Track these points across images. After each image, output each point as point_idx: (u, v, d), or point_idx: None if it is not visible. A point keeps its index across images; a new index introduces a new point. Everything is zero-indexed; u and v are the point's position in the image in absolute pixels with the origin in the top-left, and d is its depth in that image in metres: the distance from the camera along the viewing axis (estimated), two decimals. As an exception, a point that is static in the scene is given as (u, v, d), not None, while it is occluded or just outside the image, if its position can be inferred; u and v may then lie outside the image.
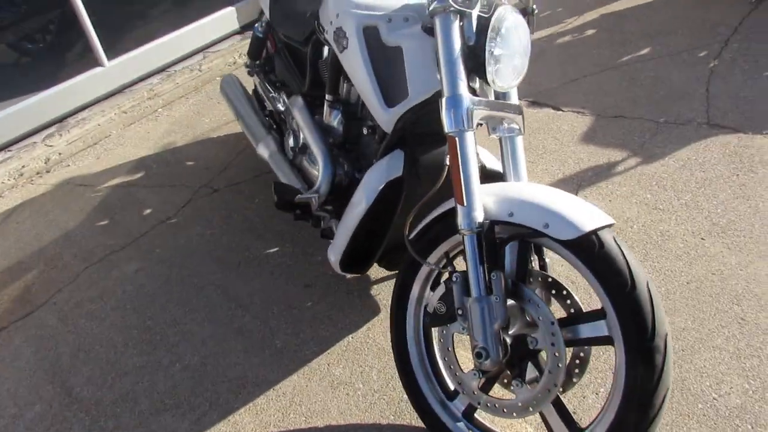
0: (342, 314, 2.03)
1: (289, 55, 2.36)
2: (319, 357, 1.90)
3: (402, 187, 1.59)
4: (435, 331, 1.58)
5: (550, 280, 1.38)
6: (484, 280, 1.34)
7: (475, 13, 1.37)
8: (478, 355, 1.34)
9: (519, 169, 1.52)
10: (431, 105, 1.49)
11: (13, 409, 1.89)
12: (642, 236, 2.12)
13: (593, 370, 1.71)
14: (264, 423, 1.73)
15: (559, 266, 2.00)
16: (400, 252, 1.82)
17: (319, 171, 1.89)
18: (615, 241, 1.25)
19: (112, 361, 2.00)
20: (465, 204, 1.34)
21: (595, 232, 1.24)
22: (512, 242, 1.36)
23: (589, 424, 1.33)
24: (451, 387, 1.57)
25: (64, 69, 3.57)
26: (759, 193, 2.23)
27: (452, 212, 1.44)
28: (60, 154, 3.34)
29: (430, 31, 1.48)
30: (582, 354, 1.39)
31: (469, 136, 1.35)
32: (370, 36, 1.55)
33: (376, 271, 2.17)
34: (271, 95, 2.47)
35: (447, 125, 1.35)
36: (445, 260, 1.52)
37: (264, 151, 2.28)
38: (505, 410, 1.41)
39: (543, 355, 1.38)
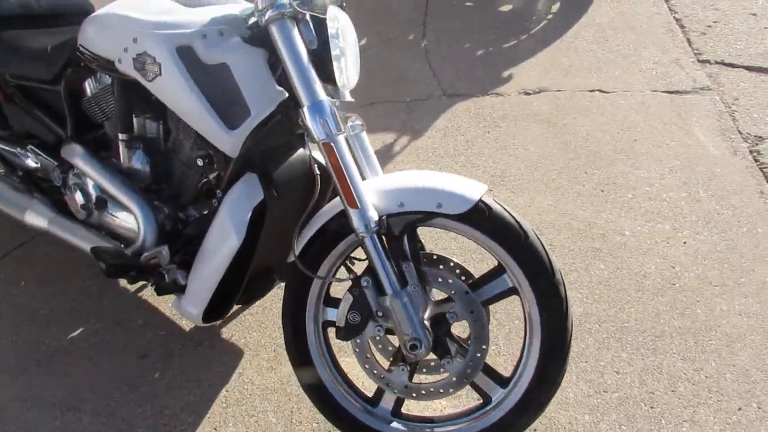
0: (203, 371, 1.80)
1: (28, 99, 1.95)
2: (201, 426, 1.66)
3: (264, 211, 1.47)
4: (342, 344, 1.53)
5: (435, 257, 1.45)
6: (395, 275, 1.34)
7: (308, 15, 1.34)
8: (413, 347, 1.35)
9: (373, 164, 1.54)
10: (274, 118, 1.42)
11: None
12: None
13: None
14: None
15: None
16: (259, 281, 1.69)
17: (137, 221, 1.63)
18: (496, 202, 1.37)
19: None
20: (359, 206, 1.32)
21: (481, 199, 1.35)
22: (409, 230, 1.38)
23: (514, 372, 1.45)
24: (369, 393, 1.55)
25: None
26: (510, 142, 2.65)
27: (336, 219, 1.40)
28: None
29: (252, 41, 1.40)
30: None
31: (341, 139, 1.32)
32: (185, 57, 1.39)
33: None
34: (15, 153, 2.01)
35: (317, 134, 1.30)
36: (334, 270, 1.48)
37: (37, 218, 1.86)
38: (441, 390, 1.45)
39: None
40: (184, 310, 1.60)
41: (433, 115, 2.86)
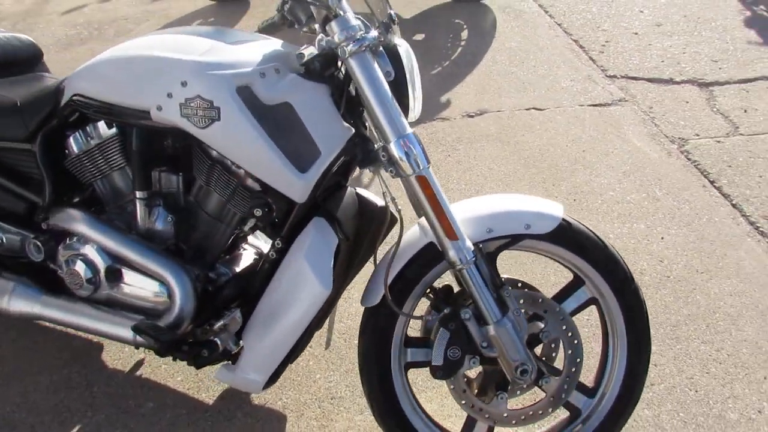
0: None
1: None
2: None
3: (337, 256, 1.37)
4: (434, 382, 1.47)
5: (504, 278, 1.45)
6: (496, 302, 1.32)
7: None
8: (523, 372, 1.33)
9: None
10: (342, 156, 1.35)
11: None
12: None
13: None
14: None
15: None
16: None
17: (171, 287, 1.44)
18: (571, 218, 1.41)
19: None
20: (458, 238, 1.28)
21: (563, 217, 1.38)
22: (498, 255, 1.37)
23: (599, 381, 1.48)
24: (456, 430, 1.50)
25: None
26: (473, 163, 2.72)
27: (423, 253, 1.35)
28: None
29: (311, 77, 1.31)
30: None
31: (431, 171, 1.28)
32: (245, 98, 1.27)
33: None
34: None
35: (410, 167, 1.25)
36: (413, 307, 1.42)
37: (23, 304, 1.56)
38: (540, 412, 1.44)
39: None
40: (243, 379, 1.43)
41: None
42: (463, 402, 1.42)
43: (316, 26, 1.33)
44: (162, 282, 1.48)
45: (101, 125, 1.50)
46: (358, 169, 1.45)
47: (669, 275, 2.12)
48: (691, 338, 1.90)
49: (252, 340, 1.41)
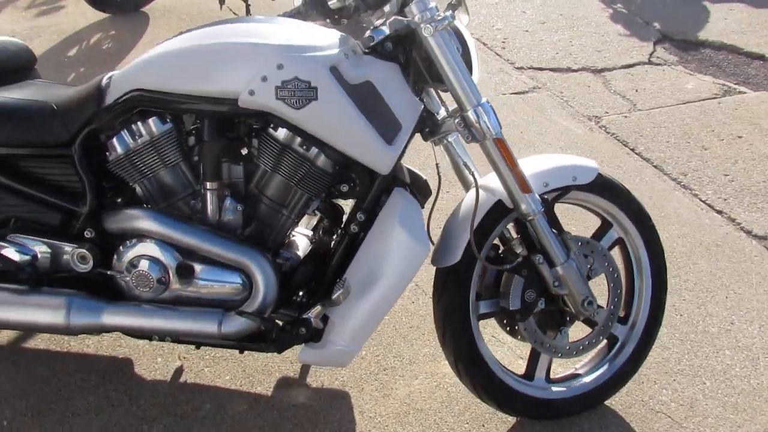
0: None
1: (7, 176, 1.52)
2: None
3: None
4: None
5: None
6: (561, 246, 1.51)
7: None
8: (589, 304, 1.54)
9: (472, 163, 1.67)
10: (416, 128, 1.47)
11: None
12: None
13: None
14: None
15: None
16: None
17: (254, 276, 1.45)
18: (600, 170, 1.64)
19: None
20: (531, 191, 1.46)
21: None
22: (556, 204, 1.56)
23: (629, 310, 1.72)
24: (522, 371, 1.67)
25: None
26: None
27: (495, 208, 1.51)
28: None
29: (382, 57, 1.42)
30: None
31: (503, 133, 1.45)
32: (336, 78, 1.35)
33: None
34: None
35: (493, 131, 1.41)
36: (497, 255, 1.58)
37: (85, 316, 1.47)
38: (594, 341, 1.65)
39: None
40: (334, 352, 1.49)
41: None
42: (534, 340, 1.60)
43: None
44: (239, 271, 1.48)
45: (153, 121, 1.47)
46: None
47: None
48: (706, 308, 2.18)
49: (343, 313, 1.47)
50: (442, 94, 1.55)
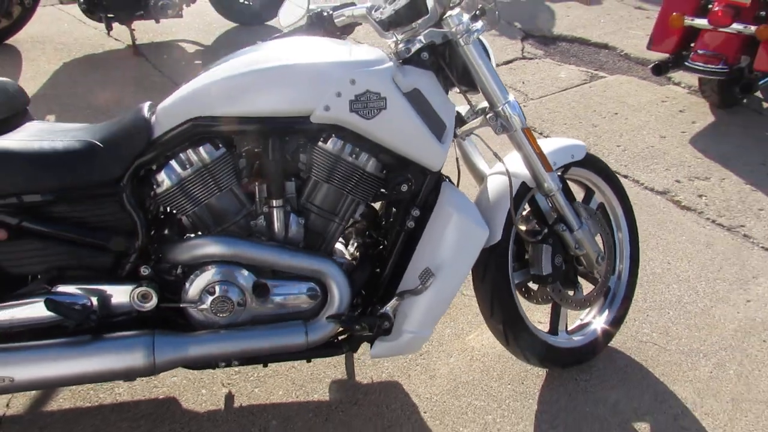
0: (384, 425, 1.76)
1: (49, 223, 1.43)
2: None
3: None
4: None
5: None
6: (575, 214, 1.78)
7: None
8: (602, 259, 1.83)
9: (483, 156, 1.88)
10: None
11: None
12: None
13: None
14: None
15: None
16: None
17: (331, 283, 1.54)
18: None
19: None
20: (553, 169, 1.71)
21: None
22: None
23: (614, 262, 2.03)
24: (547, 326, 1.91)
25: None
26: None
27: (521, 189, 1.73)
28: None
29: (414, 63, 1.57)
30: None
31: (526, 123, 1.69)
32: (396, 87, 1.48)
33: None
34: (29, 304, 1.41)
35: (519, 123, 1.63)
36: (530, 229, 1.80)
37: (168, 353, 1.43)
38: (599, 292, 1.94)
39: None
40: (408, 340, 1.62)
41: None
42: (561, 299, 1.85)
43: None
44: (312, 280, 1.55)
45: (205, 148, 1.49)
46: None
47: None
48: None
49: (411, 302, 1.59)
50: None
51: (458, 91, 1.69)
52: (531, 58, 4.36)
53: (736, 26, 3.31)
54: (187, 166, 1.49)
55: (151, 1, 3.79)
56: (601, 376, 1.94)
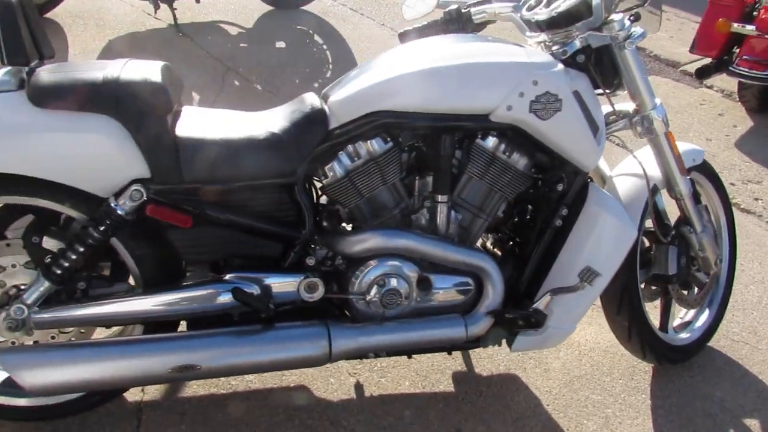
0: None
1: (226, 211, 1.42)
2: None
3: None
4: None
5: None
6: (700, 215, 1.84)
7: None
8: (721, 261, 1.89)
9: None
10: None
11: None
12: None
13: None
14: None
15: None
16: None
17: (489, 277, 1.57)
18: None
19: None
20: (688, 174, 1.76)
21: (698, 155, 1.96)
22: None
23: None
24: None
25: None
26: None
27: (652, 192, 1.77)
28: None
29: (569, 65, 1.59)
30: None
31: (668, 128, 1.73)
32: None
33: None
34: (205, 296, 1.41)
35: (665, 126, 1.67)
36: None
37: (344, 342, 1.45)
38: (707, 292, 2.00)
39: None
40: (553, 334, 1.66)
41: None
42: (678, 298, 1.91)
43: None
44: (468, 274, 1.57)
45: (375, 141, 1.49)
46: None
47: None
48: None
49: (560, 298, 1.62)
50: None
51: (602, 93, 1.72)
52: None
53: (784, 33, 3.42)
54: (356, 158, 1.49)
55: (195, -20, 3.72)
56: (703, 373, 2.02)
